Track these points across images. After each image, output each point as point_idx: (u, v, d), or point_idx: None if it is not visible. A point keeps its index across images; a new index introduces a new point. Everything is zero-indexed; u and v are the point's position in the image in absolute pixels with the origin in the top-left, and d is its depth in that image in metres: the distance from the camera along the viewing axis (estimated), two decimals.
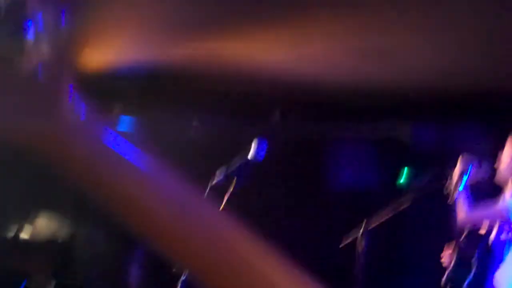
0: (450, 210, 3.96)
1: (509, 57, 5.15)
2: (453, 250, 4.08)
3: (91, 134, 0.77)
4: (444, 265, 4.15)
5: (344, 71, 5.71)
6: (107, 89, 6.27)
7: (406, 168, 7.41)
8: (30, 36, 0.70)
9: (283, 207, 6.98)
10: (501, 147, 4.17)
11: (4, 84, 0.71)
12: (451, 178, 4.00)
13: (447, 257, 4.14)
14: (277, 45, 5.07)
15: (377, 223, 4.05)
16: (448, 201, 3.90)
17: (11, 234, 6.96)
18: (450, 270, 4.10)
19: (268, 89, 6.36)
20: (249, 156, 3.68)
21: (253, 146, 3.74)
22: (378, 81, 5.91)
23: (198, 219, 0.82)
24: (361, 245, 4.00)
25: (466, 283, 4.02)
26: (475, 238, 4.10)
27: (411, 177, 7.27)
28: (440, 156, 5.70)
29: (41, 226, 7.19)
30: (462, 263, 4.06)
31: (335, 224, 5.16)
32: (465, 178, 3.91)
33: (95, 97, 0.84)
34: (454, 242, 4.03)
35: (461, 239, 4.06)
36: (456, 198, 3.88)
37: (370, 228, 4.03)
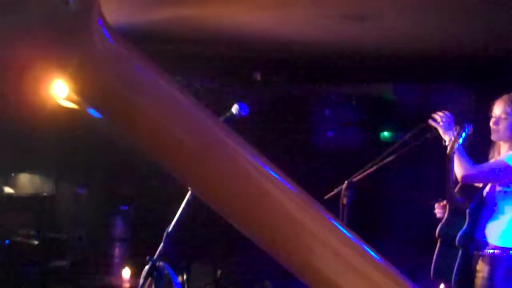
0: (436, 164, 3.99)
1: (489, 23, 5.18)
2: (447, 202, 4.09)
3: (122, 58, 0.79)
4: (438, 216, 4.16)
5: (327, 34, 5.70)
6: None
7: (389, 124, 7.48)
8: None
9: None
10: (481, 107, 4.21)
11: (36, 13, 0.72)
12: (434, 134, 4.04)
13: (441, 208, 4.17)
14: (261, 8, 5.05)
15: (362, 176, 4.07)
16: (447, 155, 3.92)
17: None
18: (444, 222, 4.11)
19: (251, 50, 6.35)
20: (231, 114, 3.68)
21: (235, 106, 3.75)
22: (361, 44, 5.91)
23: (223, 146, 0.83)
24: (345, 198, 4.03)
25: (459, 234, 4.05)
26: (470, 190, 4.12)
27: (395, 133, 7.34)
28: (422, 113, 5.75)
29: (25, 181, 7.14)
30: (456, 215, 4.07)
31: (320, 179, 5.20)
32: (463, 135, 3.96)
33: None
34: (448, 193, 4.03)
35: (456, 191, 4.07)
36: (454, 154, 3.92)
37: (355, 181, 4.06)
